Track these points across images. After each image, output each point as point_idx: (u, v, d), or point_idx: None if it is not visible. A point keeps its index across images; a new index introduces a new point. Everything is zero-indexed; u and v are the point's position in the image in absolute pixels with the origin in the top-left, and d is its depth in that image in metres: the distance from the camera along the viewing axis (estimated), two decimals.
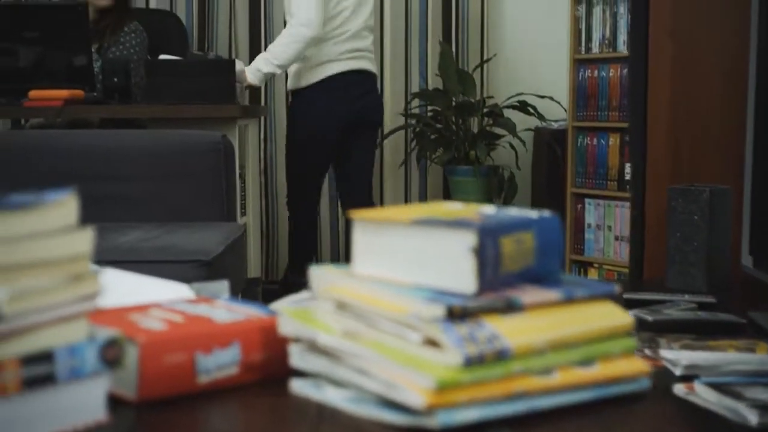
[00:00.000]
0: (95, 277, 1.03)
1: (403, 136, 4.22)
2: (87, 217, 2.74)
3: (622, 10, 3.61)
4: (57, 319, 0.96)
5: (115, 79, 3.19)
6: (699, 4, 2.12)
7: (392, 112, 4.35)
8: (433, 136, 3.90)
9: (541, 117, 3.87)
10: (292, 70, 3.60)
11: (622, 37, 3.62)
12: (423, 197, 4.41)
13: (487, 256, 0.90)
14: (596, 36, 3.71)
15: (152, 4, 4.34)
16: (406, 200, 4.42)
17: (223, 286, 1.32)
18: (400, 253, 0.96)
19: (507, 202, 3.85)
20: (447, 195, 4.39)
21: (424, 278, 0.94)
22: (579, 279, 1.01)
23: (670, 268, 1.69)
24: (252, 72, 3.45)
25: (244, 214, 3.50)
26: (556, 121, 3.95)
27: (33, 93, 3.16)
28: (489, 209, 1.01)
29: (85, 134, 3.08)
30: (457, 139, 3.88)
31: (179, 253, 2.41)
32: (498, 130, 3.90)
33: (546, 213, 0.99)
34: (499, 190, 3.88)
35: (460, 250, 0.89)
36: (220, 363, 1.03)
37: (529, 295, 0.93)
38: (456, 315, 0.87)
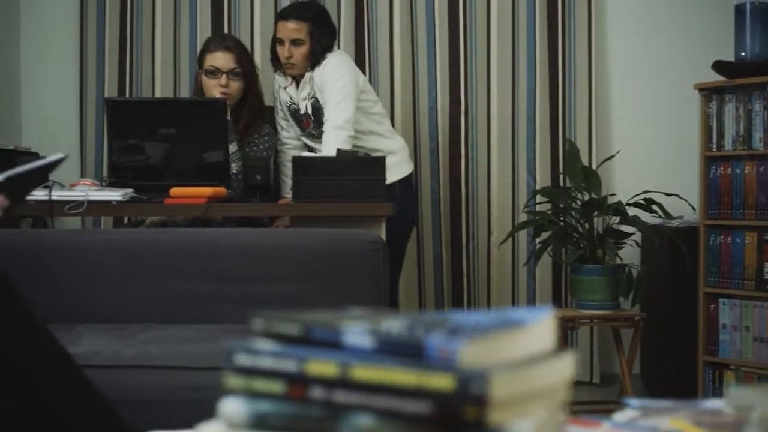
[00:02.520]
0: (563, 408, 0.93)
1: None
2: (238, 318, 2.65)
3: (758, 107, 3.55)
4: None
5: (258, 177, 3.12)
6: None
7: (500, 206, 4.29)
8: (558, 234, 3.82)
9: (667, 215, 3.78)
10: (393, 161, 3.61)
11: (758, 134, 3.56)
12: (531, 296, 4.31)
13: None
14: (729, 133, 3.64)
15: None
16: (514, 299, 4.33)
17: None
18: None
19: (635, 301, 3.74)
20: (557, 294, 4.31)
21: None
22: None
23: None
24: None
25: None
26: (678, 218, 3.87)
27: (175, 190, 3.09)
28: None
29: (236, 233, 3.00)
30: (582, 238, 3.79)
31: None
32: (625, 228, 3.82)
33: None
34: (626, 289, 3.77)
35: None
36: None
37: None
38: None
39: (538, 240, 4.00)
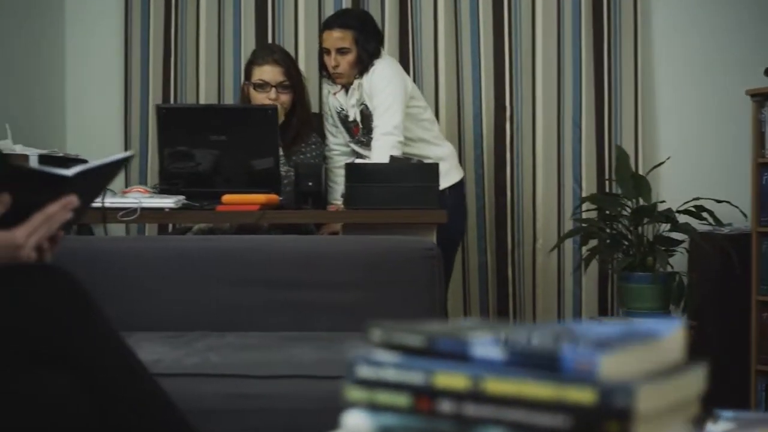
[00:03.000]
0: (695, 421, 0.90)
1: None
2: (291, 326, 2.62)
3: None
4: None
5: (310, 183, 3.10)
6: None
7: (545, 213, 4.26)
8: (607, 241, 3.79)
9: (718, 222, 3.74)
10: (443, 168, 3.59)
11: None
12: (577, 304, 4.27)
13: None
14: None
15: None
16: (559, 308, 4.29)
17: None
18: None
19: (686, 310, 3.70)
20: (603, 302, 4.26)
21: None
22: None
23: None
24: None
25: None
26: (727, 225, 3.83)
27: (227, 197, 3.08)
28: None
29: (289, 240, 2.99)
30: (631, 245, 3.76)
31: None
32: (676, 236, 3.78)
33: None
34: (677, 297, 3.73)
35: None
36: None
37: None
38: None
39: (585, 248, 3.98)
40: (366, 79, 3.69)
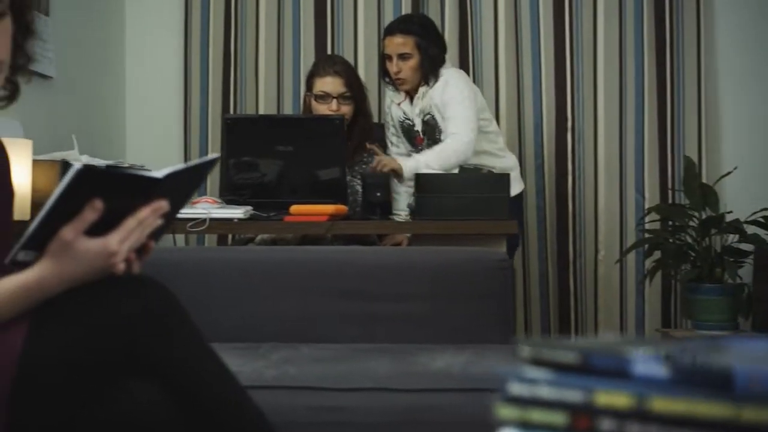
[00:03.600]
0: None
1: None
2: (362, 337, 2.59)
3: None
4: None
5: (378, 194, 3.08)
6: None
7: (607, 224, 4.21)
8: (673, 253, 3.73)
9: None
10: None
11: None
12: (640, 315, 4.21)
13: None
14: None
15: None
16: (622, 319, 4.23)
17: None
18: None
19: (755, 322, 3.64)
20: (666, 314, 4.21)
21: None
22: None
23: None
24: (409, 169, 3.40)
25: None
26: None
27: (295, 208, 3.07)
28: None
29: (358, 251, 2.96)
30: (699, 257, 3.70)
31: None
32: (745, 247, 3.72)
33: None
34: (746, 309, 3.67)
35: None
36: None
37: None
38: None
39: (650, 259, 3.92)
40: (436, 90, 3.66)
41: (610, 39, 4.22)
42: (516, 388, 0.86)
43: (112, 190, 1.49)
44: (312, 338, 2.71)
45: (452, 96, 3.60)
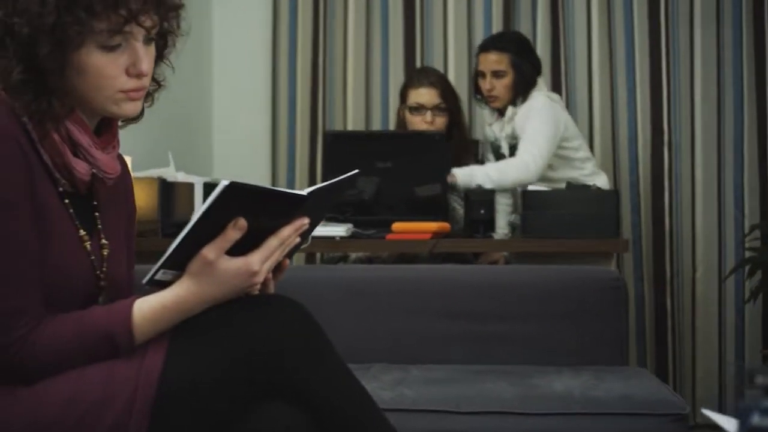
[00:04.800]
0: None
1: None
2: (470, 358, 2.52)
3: None
4: None
5: (482, 211, 3.01)
6: None
7: (705, 242, 4.08)
8: None
9: None
10: None
11: None
12: (740, 336, 4.08)
13: None
14: None
15: None
16: (720, 339, 4.10)
17: None
18: None
19: None
20: (766, 335, 4.07)
21: None
22: None
23: None
24: (463, 176, 3.33)
25: None
26: None
27: (397, 226, 3.01)
28: None
29: (463, 270, 2.90)
30: None
31: (647, 404, 2.17)
32: None
33: None
34: None
35: None
36: None
37: None
38: None
39: (753, 278, 3.78)
40: (520, 113, 3.59)
41: (707, 50, 4.10)
42: (756, 420, 0.79)
43: (255, 207, 1.44)
44: (420, 359, 2.65)
45: (532, 122, 3.52)
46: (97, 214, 1.58)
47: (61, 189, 1.50)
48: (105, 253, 1.56)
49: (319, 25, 4.35)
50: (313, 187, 1.53)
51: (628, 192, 4.15)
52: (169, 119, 4.01)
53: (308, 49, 4.36)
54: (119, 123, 1.59)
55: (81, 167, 1.49)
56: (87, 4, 1.40)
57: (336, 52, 4.36)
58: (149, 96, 1.62)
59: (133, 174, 3.09)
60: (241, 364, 1.47)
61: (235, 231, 1.43)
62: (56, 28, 1.40)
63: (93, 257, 1.53)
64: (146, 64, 1.49)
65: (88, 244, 1.53)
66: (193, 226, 1.41)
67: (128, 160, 3.02)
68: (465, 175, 3.32)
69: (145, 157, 3.48)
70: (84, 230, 1.53)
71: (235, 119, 4.46)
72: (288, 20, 4.38)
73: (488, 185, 3.29)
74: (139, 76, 1.49)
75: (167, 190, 3.13)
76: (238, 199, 1.41)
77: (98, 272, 1.54)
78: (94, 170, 1.51)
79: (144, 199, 3.09)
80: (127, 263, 1.66)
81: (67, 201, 1.51)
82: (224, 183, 1.36)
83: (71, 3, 1.39)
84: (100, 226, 1.58)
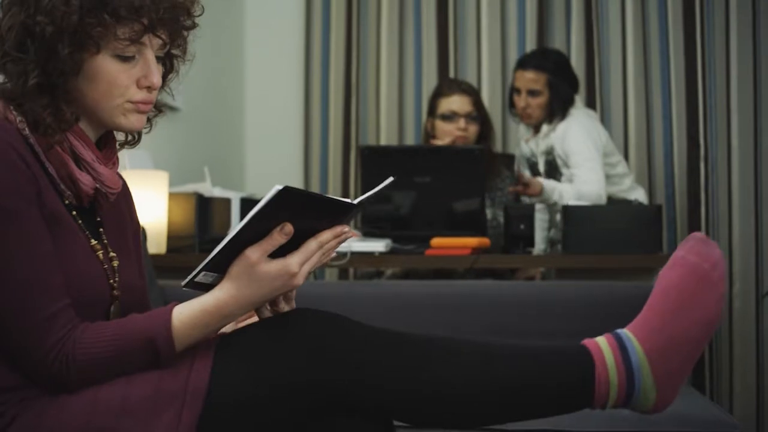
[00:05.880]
0: None
1: None
2: None
3: None
4: None
5: (522, 227, 2.98)
6: None
7: (742, 257, 4.03)
8: None
9: None
10: None
11: None
12: None
13: None
14: None
15: None
16: (758, 355, 4.05)
17: None
18: None
19: None
20: None
21: None
22: None
23: None
24: (549, 188, 3.38)
25: None
26: None
27: (436, 241, 2.99)
28: None
29: (508, 285, 2.88)
30: None
31: (699, 423, 2.14)
32: None
33: None
34: None
35: None
36: None
37: None
38: None
39: None
40: (560, 130, 3.57)
41: (743, 61, 4.04)
42: None
43: (303, 212, 1.44)
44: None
45: (575, 146, 3.53)
46: (101, 229, 1.57)
47: (66, 201, 1.49)
48: (115, 264, 1.56)
49: (351, 39, 4.35)
50: (362, 197, 1.53)
51: (663, 206, 4.11)
52: (203, 135, 4.02)
53: (341, 63, 4.35)
54: (117, 144, 1.60)
55: (86, 180, 1.49)
56: (113, 8, 1.41)
57: (369, 67, 4.36)
58: (148, 121, 1.60)
59: (170, 189, 3.10)
60: (290, 378, 1.45)
61: (281, 235, 1.42)
62: (79, 30, 1.41)
63: (105, 266, 1.53)
64: (157, 77, 1.50)
65: (100, 254, 1.52)
66: (242, 229, 1.41)
67: (165, 175, 3.04)
68: (550, 189, 3.33)
69: (180, 173, 3.48)
70: (94, 240, 1.53)
71: (267, 134, 4.46)
72: (320, 34, 4.38)
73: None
74: (150, 88, 1.50)
75: (204, 205, 3.12)
76: (289, 204, 1.41)
77: (111, 281, 1.53)
78: (97, 184, 1.51)
79: (181, 214, 3.08)
80: (139, 275, 1.65)
81: (74, 212, 1.51)
82: (278, 187, 1.36)
83: (97, 4, 1.41)
84: (105, 240, 1.57)
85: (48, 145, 1.45)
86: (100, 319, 1.48)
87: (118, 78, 1.46)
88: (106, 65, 1.45)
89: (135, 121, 1.51)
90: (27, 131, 1.44)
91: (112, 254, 1.56)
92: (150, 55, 1.49)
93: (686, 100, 4.11)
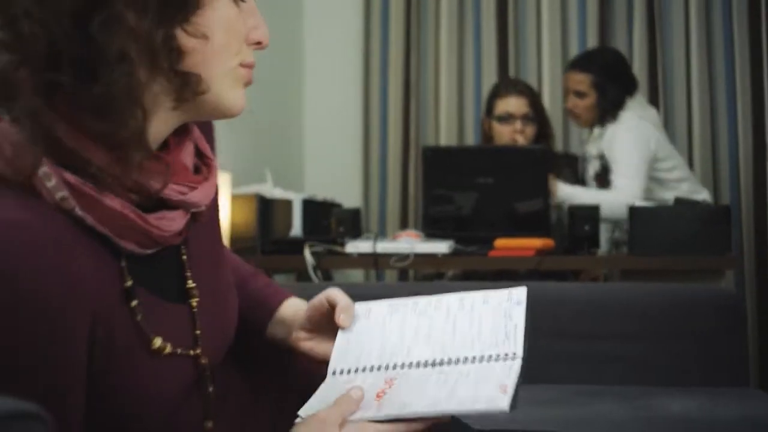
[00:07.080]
0: None
1: None
2: (587, 378, 2.45)
3: None
4: None
5: (586, 227, 2.94)
6: None
7: None
8: None
9: None
10: None
11: None
12: None
13: None
14: None
15: None
16: None
17: None
18: None
19: None
20: None
21: None
22: None
23: None
24: (566, 193, 3.33)
25: None
26: None
27: (500, 242, 2.96)
28: None
29: (578, 288, 2.84)
30: None
31: None
32: None
33: None
34: None
35: None
36: None
37: None
38: None
39: None
40: (606, 135, 3.52)
41: None
42: None
43: None
44: (527, 378, 2.58)
45: (620, 148, 3.47)
46: (188, 273, 1.08)
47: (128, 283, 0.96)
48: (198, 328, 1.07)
49: (410, 39, 4.34)
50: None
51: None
52: (263, 136, 4.02)
53: (400, 63, 4.34)
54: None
55: (165, 223, 0.98)
56: None
57: (428, 66, 4.34)
58: None
59: (231, 191, 3.10)
60: None
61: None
62: None
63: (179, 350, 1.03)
64: (267, 29, 1.07)
65: (168, 347, 1.00)
66: None
67: (227, 177, 3.05)
68: (566, 195, 3.28)
69: (241, 173, 3.49)
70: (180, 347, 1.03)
71: (327, 135, 4.47)
72: (379, 34, 4.38)
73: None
74: (260, 44, 1.08)
75: (265, 206, 3.12)
76: None
77: (193, 352, 1.04)
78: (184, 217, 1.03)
79: (242, 215, 3.09)
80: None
81: (134, 304, 0.96)
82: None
83: None
84: (195, 307, 1.07)
85: (93, 200, 0.91)
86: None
87: (237, 23, 1.01)
88: (225, 9, 0.99)
89: (241, 97, 1.04)
90: (68, 196, 0.90)
91: (195, 306, 1.07)
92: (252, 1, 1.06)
93: (752, 98, 4.02)
